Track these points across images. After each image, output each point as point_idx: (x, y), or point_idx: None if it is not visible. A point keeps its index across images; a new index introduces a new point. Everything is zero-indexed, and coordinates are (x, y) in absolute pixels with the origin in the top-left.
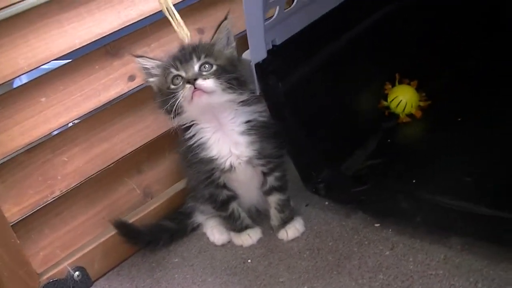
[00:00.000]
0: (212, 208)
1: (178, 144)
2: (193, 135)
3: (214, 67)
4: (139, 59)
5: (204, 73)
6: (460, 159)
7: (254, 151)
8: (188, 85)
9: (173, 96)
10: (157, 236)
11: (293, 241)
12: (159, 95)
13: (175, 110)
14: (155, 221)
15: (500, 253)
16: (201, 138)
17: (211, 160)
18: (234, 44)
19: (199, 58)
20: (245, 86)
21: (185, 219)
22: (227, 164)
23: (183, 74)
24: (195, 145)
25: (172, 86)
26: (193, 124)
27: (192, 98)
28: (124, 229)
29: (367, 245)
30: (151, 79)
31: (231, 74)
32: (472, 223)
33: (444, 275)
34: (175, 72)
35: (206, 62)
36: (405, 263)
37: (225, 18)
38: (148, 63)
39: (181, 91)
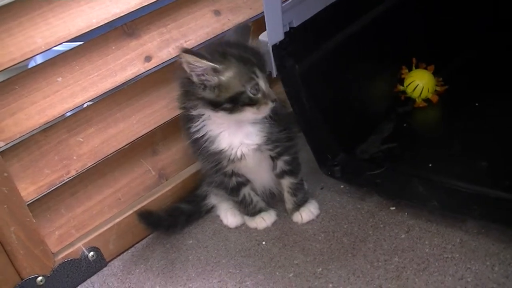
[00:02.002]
0: (225, 193)
1: (184, 131)
2: (201, 128)
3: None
4: (188, 57)
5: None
6: (476, 144)
7: (263, 138)
8: (270, 103)
9: (244, 104)
10: (176, 219)
11: (308, 223)
12: (216, 93)
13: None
14: (172, 204)
15: None
16: (210, 130)
17: (220, 152)
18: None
19: (265, 72)
20: None
21: (200, 201)
22: (238, 154)
23: (263, 87)
24: (203, 138)
25: (250, 95)
26: (202, 115)
27: None
28: (147, 218)
29: (382, 228)
30: (198, 78)
31: None
32: (488, 207)
33: (461, 258)
34: (255, 79)
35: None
36: (420, 246)
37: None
38: (198, 63)
39: (262, 106)
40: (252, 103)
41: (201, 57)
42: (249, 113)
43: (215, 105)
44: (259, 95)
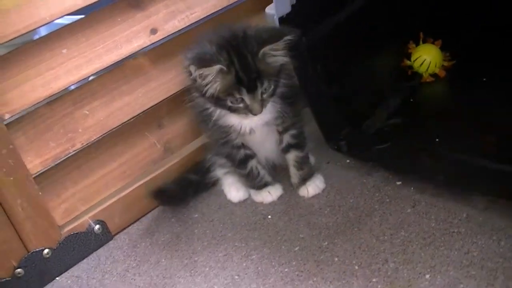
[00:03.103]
0: (231, 166)
1: (191, 99)
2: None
3: (272, 86)
4: (200, 71)
5: (264, 96)
6: (483, 118)
7: (273, 114)
8: (251, 116)
9: (227, 108)
10: (186, 191)
11: (313, 198)
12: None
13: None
14: (180, 175)
15: None
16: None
17: (229, 126)
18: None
19: (262, 84)
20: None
21: (206, 172)
22: (248, 129)
23: (248, 102)
24: (214, 113)
25: (229, 104)
26: None
27: None
28: (161, 196)
29: (388, 202)
30: (203, 82)
31: (280, 78)
32: (495, 181)
33: (467, 233)
34: (238, 96)
35: (267, 85)
36: (426, 221)
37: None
38: (207, 72)
39: (242, 115)
40: (232, 110)
41: (210, 63)
42: (231, 115)
43: (202, 95)
44: (241, 105)
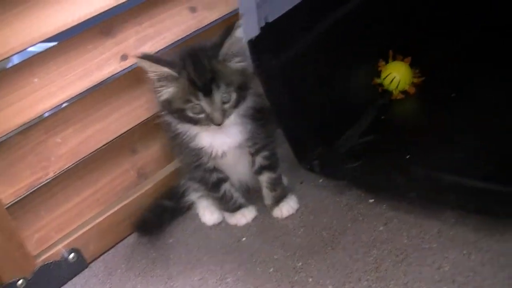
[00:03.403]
0: (205, 190)
1: (165, 126)
2: (180, 126)
3: (234, 96)
4: (143, 63)
5: (226, 105)
6: (453, 135)
7: (244, 136)
8: (214, 126)
9: (186, 120)
10: (161, 218)
11: (287, 218)
12: (168, 103)
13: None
14: (154, 201)
15: (493, 225)
16: (189, 128)
17: (200, 149)
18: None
19: (218, 87)
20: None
21: (180, 197)
22: (219, 152)
23: (208, 110)
24: (185, 135)
25: (191, 115)
26: None
27: None
28: (142, 228)
29: (361, 221)
30: (158, 84)
31: (245, 91)
32: (465, 196)
33: (438, 248)
34: (195, 101)
35: (226, 92)
36: (399, 238)
37: (235, 26)
38: (155, 70)
39: (204, 126)
40: (194, 122)
41: (156, 62)
42: (196, 128)
43: (169, 112)
44: (202, 116)
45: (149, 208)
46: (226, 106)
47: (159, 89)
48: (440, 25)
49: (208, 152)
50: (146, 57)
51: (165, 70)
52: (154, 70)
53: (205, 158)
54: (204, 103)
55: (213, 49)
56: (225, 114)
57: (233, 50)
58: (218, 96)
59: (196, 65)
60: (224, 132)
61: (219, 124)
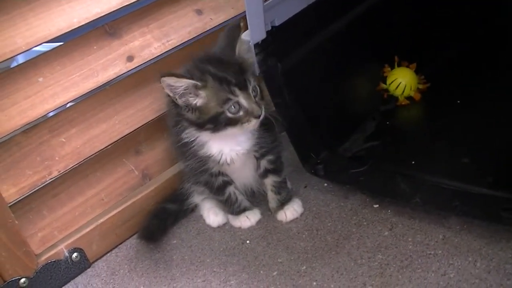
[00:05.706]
0: (209, 193)
1: (170, 132)
2: (190, 135)
3: (258, 89)
4: (167, 79)
5: (256, 98)
6: (458, 141)
7: (253, 143)
8: (254, 120)
9: (225, 124)
10: (165, 222)
11: (291, 222)
12: (196, 115)
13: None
14: (158, 205)
15: (498, 232)
16: (199, 137)
17: (208, 156)
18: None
19: (250, 82)
20: None
21: (184, 200)
22: (228, 159)
23: (245, 104)
24: (192, 144)
25: (229, 115)
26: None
27: None
28: (147, 235)
29: (366, 225)
30: (182, 99)
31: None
32: (470, 203)
33: (443, 254)
34: (234, 98)
35: (254, 85)
36: (404, 243)
37: (239, 27)
38: (179, 83)
39: (244, 124)
40: (234, 122)
41: (180, 77)
42: (234, 130)
43: (199, 126)
44: (241, 113)
45: (153, 214)
46: (257, 98)
47: (188, 100)
48: (446, 32)
49: (216, 160)
50: (169, 74)
51: (190, 82)
52: (180, 84)
53: (211, 164)
54: (241, 98)
55: (226, 48)
56: (259, 106)
57: (244, 48)
58: (251, 88)
59: (219, 65)
60: (233, 139)
61: (259, 115)
